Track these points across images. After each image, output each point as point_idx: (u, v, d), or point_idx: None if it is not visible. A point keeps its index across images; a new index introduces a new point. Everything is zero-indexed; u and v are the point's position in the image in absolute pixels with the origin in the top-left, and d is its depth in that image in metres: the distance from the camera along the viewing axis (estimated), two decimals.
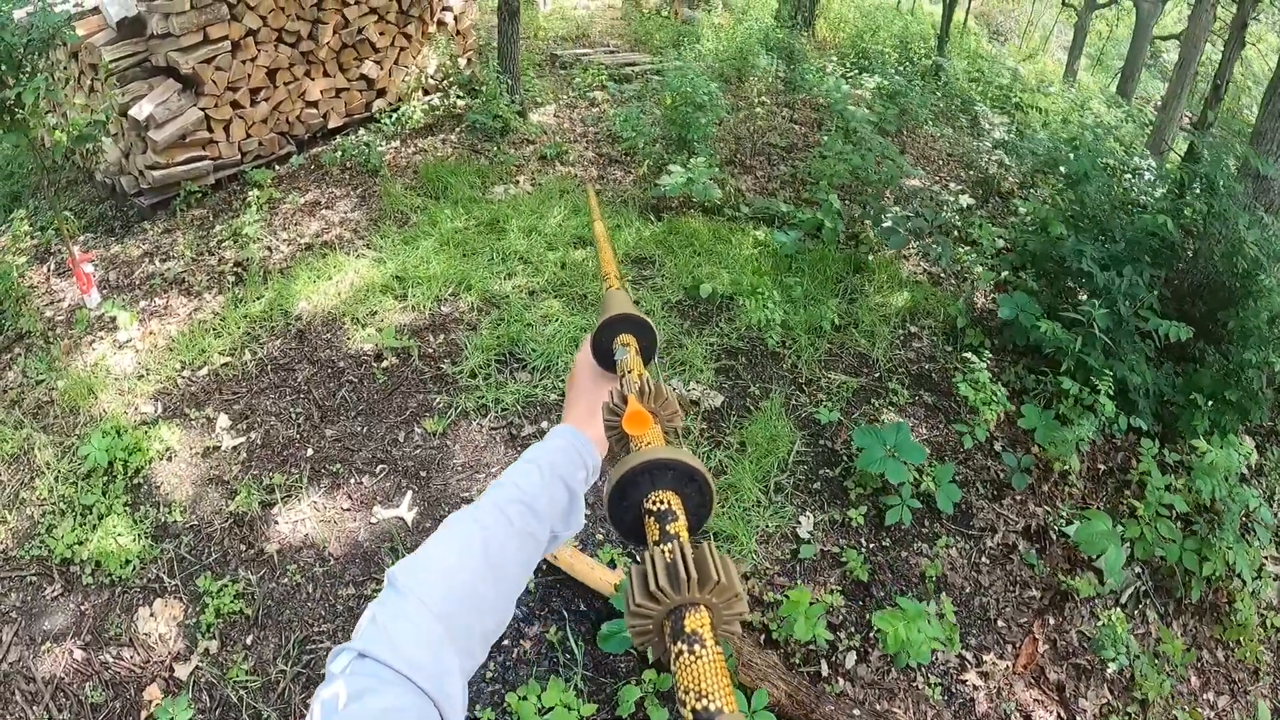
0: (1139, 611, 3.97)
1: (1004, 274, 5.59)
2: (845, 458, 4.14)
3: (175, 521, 3.41)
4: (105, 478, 3.54)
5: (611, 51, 9.57)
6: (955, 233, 6.57)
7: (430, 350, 4.35)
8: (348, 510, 3.45)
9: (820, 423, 4.28)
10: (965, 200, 6.24)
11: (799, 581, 3.56)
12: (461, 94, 7.28)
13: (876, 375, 4.81)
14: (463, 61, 7.43)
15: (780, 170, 7.04)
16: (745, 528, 3.61)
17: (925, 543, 3.88)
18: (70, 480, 3.56)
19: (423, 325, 4.53)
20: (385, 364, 4.21)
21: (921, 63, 10.89)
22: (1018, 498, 4.23)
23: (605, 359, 1.04)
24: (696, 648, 0.55)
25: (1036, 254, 5.53)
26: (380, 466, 3.62)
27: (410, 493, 3.48)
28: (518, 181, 6.29)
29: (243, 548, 3.33)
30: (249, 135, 6.06)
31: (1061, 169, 5.69)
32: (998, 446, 4.54)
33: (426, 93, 7.28)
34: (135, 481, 3.56)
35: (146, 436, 3.70)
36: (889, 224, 5.18)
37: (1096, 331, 4.58)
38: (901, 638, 2.99)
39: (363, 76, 6.77)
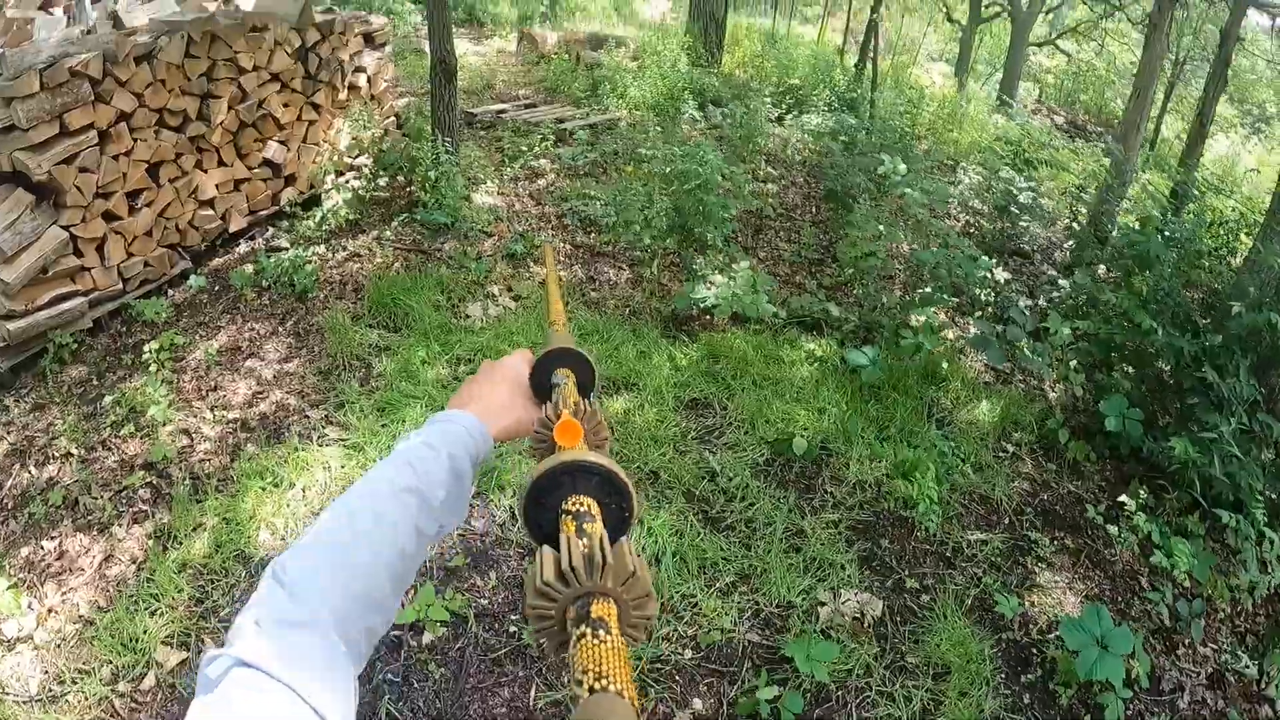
0: None
1: (1077, 371, 5.08)
2: (1031, 650, 3.52)
3: None
4: None
5: (529, 105, 8.51)
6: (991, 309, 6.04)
7: (486, 603, 3.17)
8: None
9: (1001, 614, 3.51)
10: (1001, 275, 5.68)
11: None
12: (385, 173, 6.02)
13: (1007, 522, 4.18)
14: (379, 132, 6.16)
15: (783, 250, 6.25)
16: None
17: None
18: None
19: (457, 563, 3.32)
20: (428, 639, 2.99)
21: (847, 96, 10.50)
22: (1186, 642, 3.86)
23: (540, 389, 1.03)
24: (601, 633, 0.55)
25: (1119, 346, 5.05)
26: None
27: None
28: (493, 294, 5.14)
29: None
30: (130, 255, 4.65)
31: (1124, 247, 5.23)
32: (1144, 580, 4.14)
33: (340, 174, 5.97)
34: None
35: None
36: (978, 332, 4.48)
37: (1233, 450, 4.25)
38: None
39: (266, 162, 5.42)
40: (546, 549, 0.64)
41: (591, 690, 0.50)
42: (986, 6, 16.04)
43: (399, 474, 0.82)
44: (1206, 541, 4.25)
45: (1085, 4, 17.17)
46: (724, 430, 4.23)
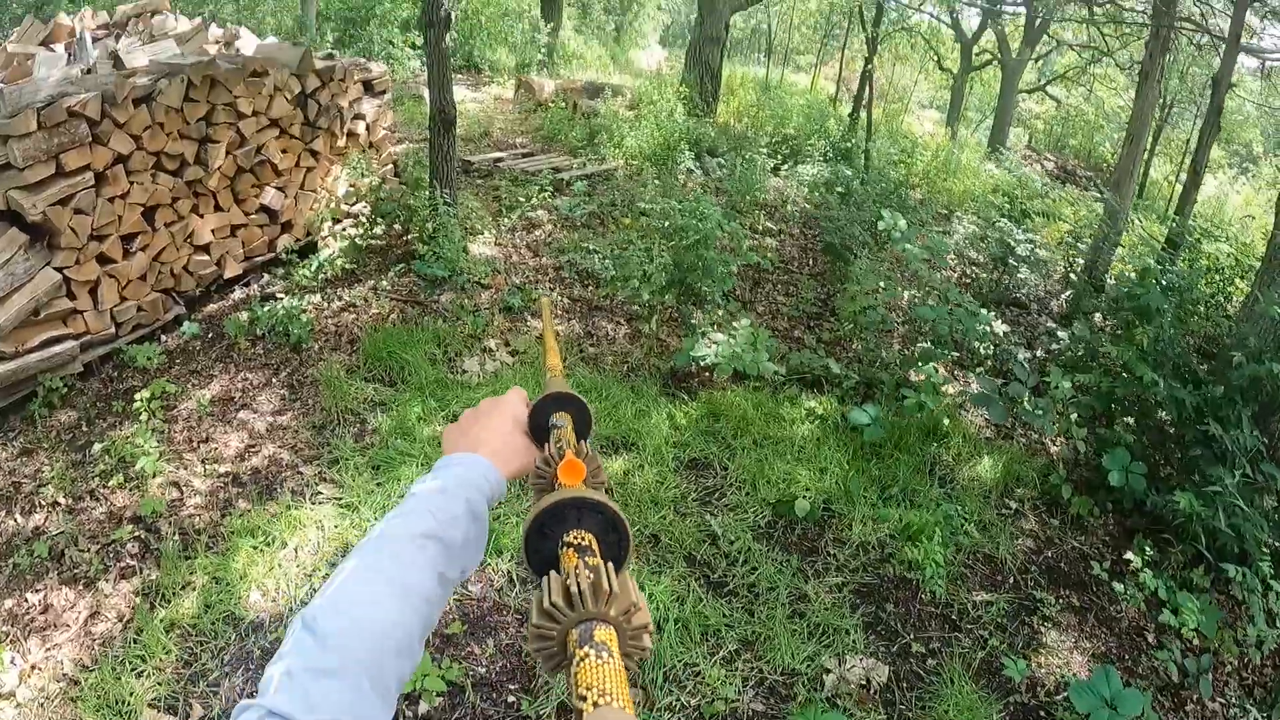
0: None
1: (1078, 424, 5.09)
2: (1040, 712, 3.46)
3: None
4: None
5: (527, 154, 8.59)
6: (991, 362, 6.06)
7: (484, 672, 3.10)
8: None
9: (1008, 677, 3.47)
10: (1000, 326, 5.69)
11: None
12: (382, 221, 6.04)
13: (1012, 581, 4.15)
14: (376, 180, 6.18)
15: (781, 304, 6.27)
16: None
17: None
18: None
19: (454, 629, 3.25)
20: (424, 710, 2.93)
21: (842, 145, 10.65)
22: (1195, 698, 3.82)
23: (538, 430, 1.06)
24: (605, 655, 0.58)
25: (1120, 399, 5.07)
26: None
27: None
28: (489, 349, 5.12)
29: None
30: (124, 299, 4.65)
31: (1125, 300, 5.27)
32: (1151, 637, 4.12)
33: (337, 221, 5.98)
34: None
35: None
36: (980, 389, 4.49)
37: (1237, 501, 4.26)
38: None
39: (263, 208, 5.44)
40: (554, 574, 0.68)
41: (595, 705, 0.53)
42: (977, 54, 16.41)
43: (419, 521, 0.83)
44: (1212, 595, 4.25)
45: (1074, 50, 17.60)
46: (725, 491, 4.20)
